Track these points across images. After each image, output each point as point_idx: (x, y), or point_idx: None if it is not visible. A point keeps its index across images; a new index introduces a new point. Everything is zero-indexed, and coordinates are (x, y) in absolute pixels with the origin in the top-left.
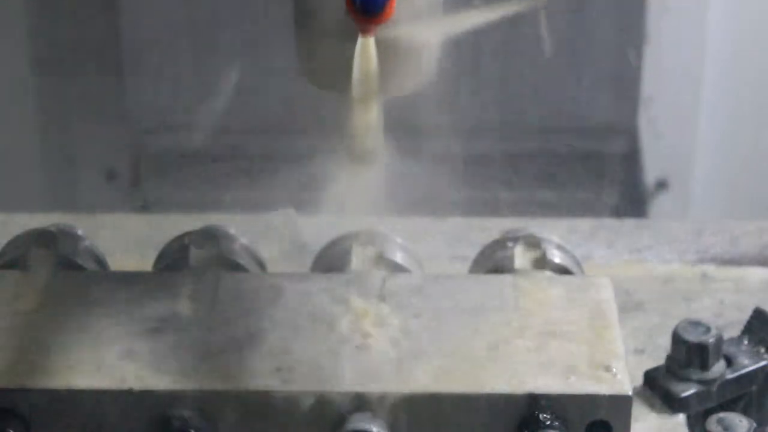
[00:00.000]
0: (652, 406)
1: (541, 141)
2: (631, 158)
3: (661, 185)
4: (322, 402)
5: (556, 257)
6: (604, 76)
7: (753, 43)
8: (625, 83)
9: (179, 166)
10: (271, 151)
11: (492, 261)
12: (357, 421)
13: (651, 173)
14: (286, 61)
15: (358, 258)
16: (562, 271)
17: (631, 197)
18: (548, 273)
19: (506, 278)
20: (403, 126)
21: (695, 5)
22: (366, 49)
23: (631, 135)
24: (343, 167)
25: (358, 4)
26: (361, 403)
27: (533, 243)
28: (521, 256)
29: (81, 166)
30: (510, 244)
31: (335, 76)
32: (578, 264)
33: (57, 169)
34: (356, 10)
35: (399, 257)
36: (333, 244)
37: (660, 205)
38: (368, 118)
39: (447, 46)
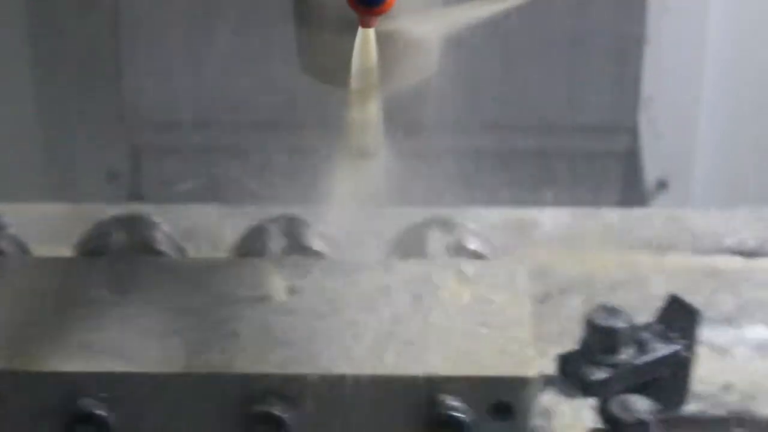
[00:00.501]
0: (563, 390)
1: (541, 139)
2: (631, 157)
3: (662, 185)
4: (230, 384)
5: (471, 243)
6: (604, 75)
7: (753, 43)
8: (625, 83)
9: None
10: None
11: (407, 245)
12: (262, 402)
13: (651, 173)
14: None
15: (276, 243)
16: (477, 256)
17: (631, 197)
18: (462, 258)
19: (419, 263)
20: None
21: (695, 5)
22: (366, 41)
23: (632, 134)
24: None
25: None
26: (266, 385)
27: (448, 228)
28: (436, 241)
29: (81, 165)
30: (425, 229)
31: (335, 69)
32: (495, 249)
33: (56, 169)
34: (357, 1)
35: (316, 243)
36: (253, 231)
37: (660, 204)
38: (368, 112)
39: (448, 40)
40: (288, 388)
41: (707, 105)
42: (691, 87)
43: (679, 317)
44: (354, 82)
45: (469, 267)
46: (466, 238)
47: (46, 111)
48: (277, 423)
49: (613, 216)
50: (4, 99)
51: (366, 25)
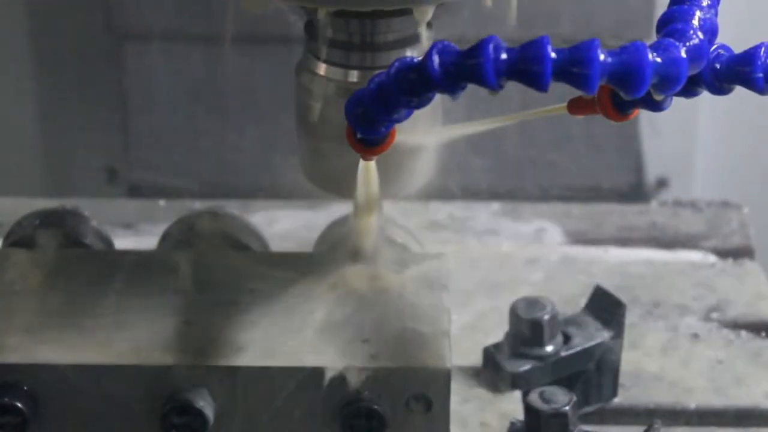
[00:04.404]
0: (489, 383)
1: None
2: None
3: (662, 184)
4: (150, 375)
5: (398, 236)
6: None
7: (753, 42)
8: None
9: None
10: None
11: (331, 237)
12: (184, 392)
13: (651, 172)
14: None
15: (201, 237)
16: (403, 249)
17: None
18: (387, 249)
19: (339, 252)
20: None
21: None
22: (368, 172)
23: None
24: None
25: (360, 138)
26: (186, 376)
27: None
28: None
29: (81, 164)
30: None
31: (338, 178)
32: (417, 241)
33: (57, 167)
34: (357, 142)
35: (246, 238)
36: (180, 221)
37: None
38: (369, 224)
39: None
40: (207, 378)
41: (707, 105)
42: None
43: (605, 309)
44: (357, 206)
45: (393, 256)
46: (393, 232)
47: (46, 110)
48: (195, 414)
49: None
50: (4, 99)
51: (366, 159)
